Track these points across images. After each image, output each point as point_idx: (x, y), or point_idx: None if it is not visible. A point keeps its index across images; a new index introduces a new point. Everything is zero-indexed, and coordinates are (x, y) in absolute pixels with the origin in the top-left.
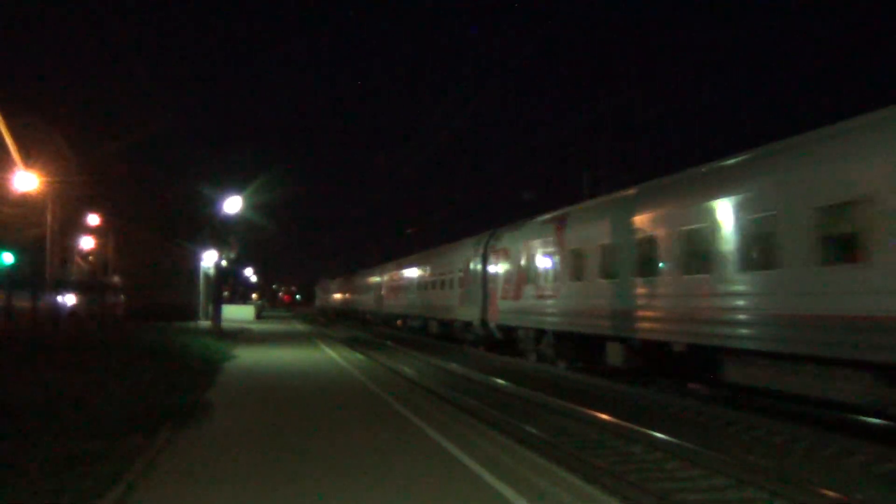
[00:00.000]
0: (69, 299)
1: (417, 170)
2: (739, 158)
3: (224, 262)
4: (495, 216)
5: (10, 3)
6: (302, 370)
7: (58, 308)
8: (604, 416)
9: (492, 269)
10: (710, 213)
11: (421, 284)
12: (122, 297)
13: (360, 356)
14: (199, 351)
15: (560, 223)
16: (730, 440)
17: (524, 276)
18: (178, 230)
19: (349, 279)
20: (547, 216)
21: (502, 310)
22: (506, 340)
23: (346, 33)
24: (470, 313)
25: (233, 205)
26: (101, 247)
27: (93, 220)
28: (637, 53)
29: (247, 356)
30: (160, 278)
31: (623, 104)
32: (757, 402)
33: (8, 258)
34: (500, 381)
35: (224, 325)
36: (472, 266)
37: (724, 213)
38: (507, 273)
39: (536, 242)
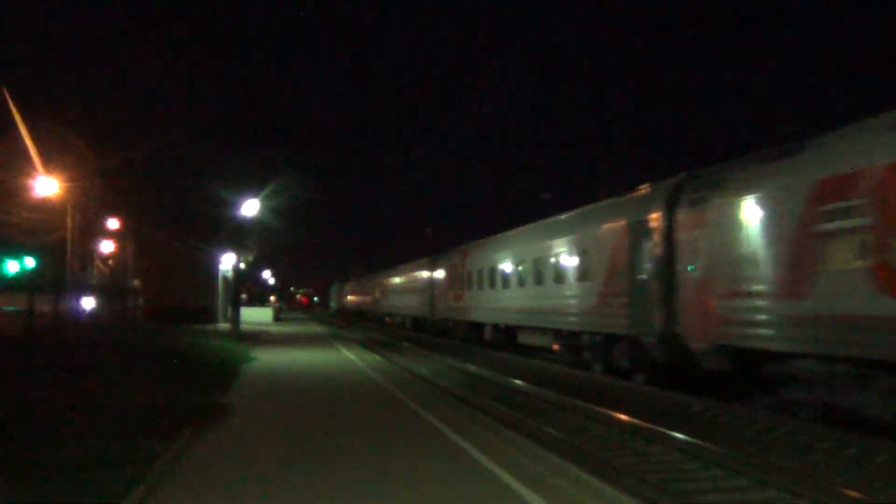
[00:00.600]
0: (87, 303)
1: (433, 170)
2: (490, 238)
3: (242, 265)
4: (514, 215)
5: (28, 9)
6: (321, 372)
7: (77, 312)
8: (622, 417)
9: (435, 279)
10: (499, 260)
11: (400, 289)
12: (141, 300)
13: (377, 357)
14: (219, 353)
15: (465, 253)
16: (750, 440)
17: (448, 286)
18: (197, 233)
19: (355, 284)
20: (461, 247)
21: (439, 308)
22: (444, 329)
23: (363, 36)
24: (425, 311)
25: (250, 208)
26: (120, 250)
27: (112, 224)
28: (652, 53)
29: (266, 358)
30: (179, 281)
31: (639, 103)
32: (775, 401)
33: (29, 262)
34: (517, 381)
35: (243, 327)
36: (426, 277)
37: (506, 260)
38: (442, 283)
39: (454, 264)
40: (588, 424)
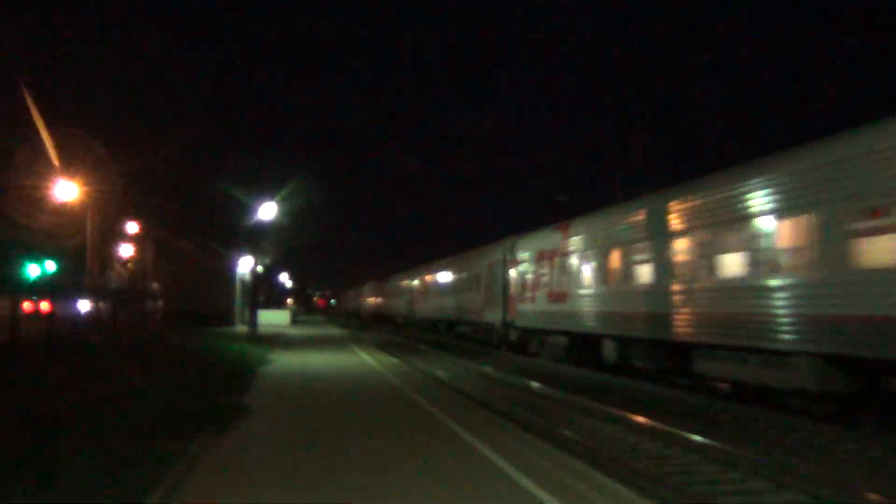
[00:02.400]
0: (82, 305)
1: (451, 173)
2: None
3: (259, 268)
4: (532, 216)
5: (50, 17)
6: (338, 374)
7: (76, 314)
8: (639, 419)
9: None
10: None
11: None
12: (159, 302)
13: (394, 360)
14: (236, 356)
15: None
16: (770, 443)
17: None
18: (215, 236)
19: (357, 290)
20: (431, 264)
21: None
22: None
23: (383, 43)
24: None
25: (268, 211)
26: (139, 254)
27: (132, 227)
28: (667, 57)
29: (283, 361)
30: (198, 284)
31: (656, 105)
32: (797, 404)
33: (50, 266)
34: (533, 383)
35: (260, 329)
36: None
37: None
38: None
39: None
40: (604, 426)
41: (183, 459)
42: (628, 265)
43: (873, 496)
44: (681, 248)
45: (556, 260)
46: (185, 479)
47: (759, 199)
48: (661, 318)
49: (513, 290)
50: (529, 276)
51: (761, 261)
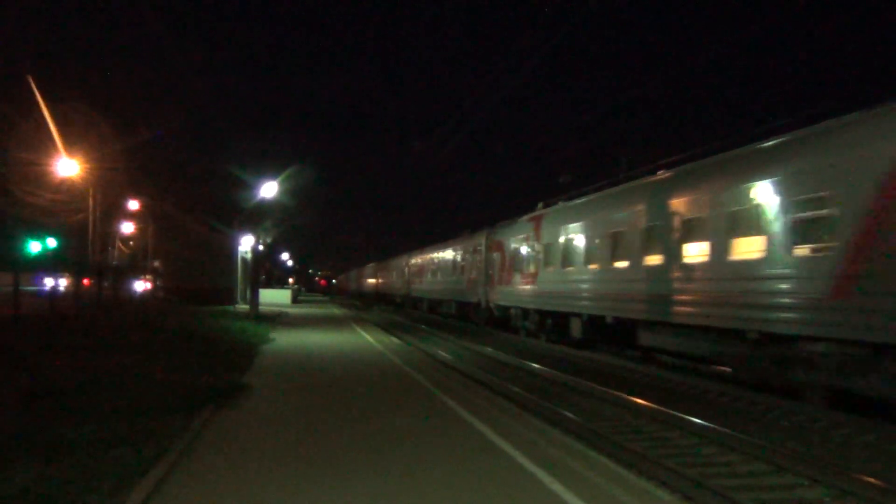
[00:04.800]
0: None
1: (453, 154)
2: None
3: (261, 247)
4: (535, 197)
5: None
6: (339, 353)
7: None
8: (640, 401)
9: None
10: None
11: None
12: (159, 281)
13: (395, 339)
14: (238, 334)
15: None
16: (768, 426)
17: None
18: (217, 215)
19: (352, 272)
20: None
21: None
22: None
23: (384, 19)
24: None
25: (269, 189)
26: (141, 231)
27: (133, 205)
28: (674, 32)
29: (284, 339)
30: (199, 262)
31: (660, 83)
32: (794, 387)
33: (51, 243)
34: (535, 364)
35: (261, 308)
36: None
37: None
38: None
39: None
40: (605, 408)
41: (184, 437)
42: None
43: (869, 479)
44: None
45: None
46: (186, 456)
47: None
48: None
49: None
50: None
51: None
